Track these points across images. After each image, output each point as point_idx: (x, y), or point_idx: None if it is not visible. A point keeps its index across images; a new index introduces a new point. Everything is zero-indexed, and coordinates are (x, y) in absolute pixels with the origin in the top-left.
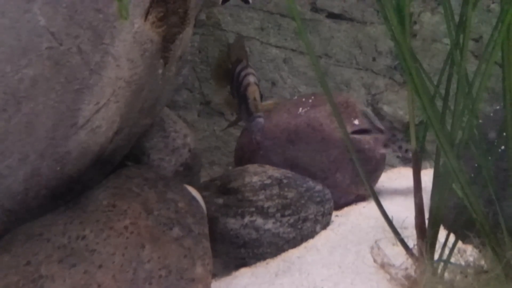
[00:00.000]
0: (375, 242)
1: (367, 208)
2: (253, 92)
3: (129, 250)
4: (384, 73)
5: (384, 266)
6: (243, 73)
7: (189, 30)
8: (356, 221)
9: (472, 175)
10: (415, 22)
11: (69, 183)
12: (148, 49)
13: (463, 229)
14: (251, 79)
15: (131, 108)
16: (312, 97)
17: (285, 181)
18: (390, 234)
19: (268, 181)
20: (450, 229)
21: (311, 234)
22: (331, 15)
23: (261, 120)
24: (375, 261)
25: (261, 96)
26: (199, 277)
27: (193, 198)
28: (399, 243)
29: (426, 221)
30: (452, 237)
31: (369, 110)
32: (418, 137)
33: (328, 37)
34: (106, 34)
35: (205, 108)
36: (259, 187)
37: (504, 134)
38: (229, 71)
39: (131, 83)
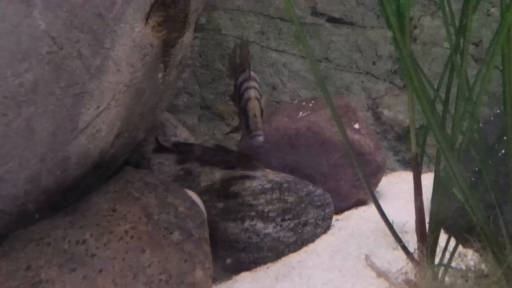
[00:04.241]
0: (366, 255)
1: (368, 212)
2: (253, 108)
3: (129, 255)
4: (384, 77)
5: (381, 275)
6: (244, 86)
7: (189, 35)
8: (356, 225)
9: (473, 179)
10: (415, 26)
11: (69, 187)
12: (148, 53)
13: (464, 233)
14: (252, 93)
15: (131, 112)
16: (313, 101)
17: (285, 185)
18: (391, 238)
19: (269, 186)
20: (450, 233)
21: (312, 238)
22: (331, 19)
23: (260, 138)
24: (372, 270)
25: (262, 111)
26: (200, 281)
27: (193, 202)
28: (399, 248)
29: (427, 225)
30: (452, 241)
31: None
32: (418, 141)
33: (328, 41)
34: (106, 38)
35: (205, 112)
36: (259, 192)
37: (505, 138)
38: (235, 68)
39: (131, 87)
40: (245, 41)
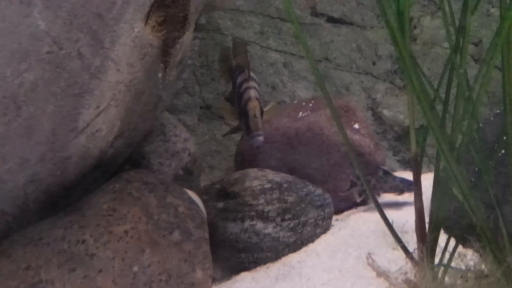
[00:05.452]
0: (368, 254)
1: (367, 212)
2: (253, 108)
3: (129, 255)
4: (384, 77)
5: (381, 275)
6: (244, 86)
7: (189, 35)
8: (356, 225)
9: (473, 179)
10: (415, 26)
11: (69, 187)
12: (148, 53)
13: (464, 233)
14: (252, 93)
15: (131, 112)
16: (312, 101)
17: (285, 185)
18: (391, 238)
19: (268, 185)
20: (450, 233)
21: (311, 238)
22: (331, 19)
23: (260, 138)
24: (373, 269)
25: (262, 112)
26: (199, 281)
27: (193, 202)
28: (399, 248)
29: (427, 225)
30: (452, 241)
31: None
32: (418, 141)
33: (328, 41)
34: (106, 38)
35: (205, 112)
36: (259, 191)
37: (504, 138)
38: (231, 68)
39: (131, 87)
40: (242, 42)
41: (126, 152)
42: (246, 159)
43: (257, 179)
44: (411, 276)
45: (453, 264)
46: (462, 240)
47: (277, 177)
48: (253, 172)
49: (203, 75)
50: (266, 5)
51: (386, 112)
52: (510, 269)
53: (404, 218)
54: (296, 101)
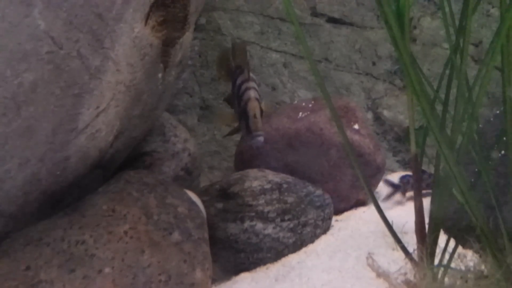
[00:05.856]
0: (369, 254)
1: (367, 212)
2: (253, 108)
3: (129, 255)
4: (384, 77)
5: (381, 275)
6: (244, 86)
7: (189, 35)
8: (356, 225)
9: (472, 179)
10: (415, 27)
11: (69, 187)
12: (148, 53)
13: (463, 234)
14: (252, 94)
15: (131, 113)
16: (312, 102)
17: (285, 185)
18: (390, 239)
19: (268, 186)
20: (450, 234)
21: (311, 239)
22: (331, 20)
23: (260, 138)
24: (373, 270)
25: (262, 112)
26: (199, 281)
27: (193, 202)
28: (399, 248)
29: (426, 226)
30: (452, 242)
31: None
32: (417, 141)
33: (328, 42)
34: (106, 38)
35: (205, 113)
36: (259, 192)
37: (504, 138)
38: (230, 70)
39: (130, 88)
40: (242, 42)
41: (125, 152)
42: (246, 159)
43: (257, 179)
44: (411, 276)
45: (453, 264)
46: (462, 241)
47: (277, 177)
48: (252, 172)
49: (203, 75)
50: (266, 5)
51: (386, 113)
52: (510, 270)
53: (404, 219)
54: (296, 102)
